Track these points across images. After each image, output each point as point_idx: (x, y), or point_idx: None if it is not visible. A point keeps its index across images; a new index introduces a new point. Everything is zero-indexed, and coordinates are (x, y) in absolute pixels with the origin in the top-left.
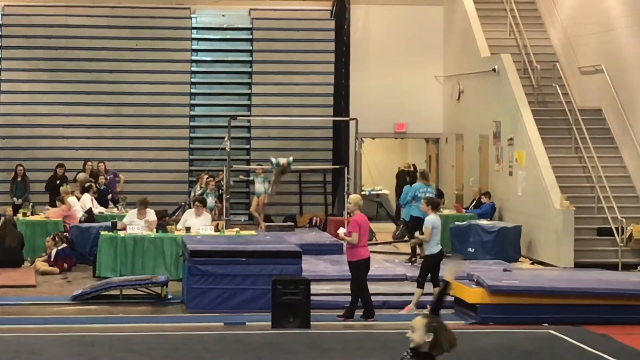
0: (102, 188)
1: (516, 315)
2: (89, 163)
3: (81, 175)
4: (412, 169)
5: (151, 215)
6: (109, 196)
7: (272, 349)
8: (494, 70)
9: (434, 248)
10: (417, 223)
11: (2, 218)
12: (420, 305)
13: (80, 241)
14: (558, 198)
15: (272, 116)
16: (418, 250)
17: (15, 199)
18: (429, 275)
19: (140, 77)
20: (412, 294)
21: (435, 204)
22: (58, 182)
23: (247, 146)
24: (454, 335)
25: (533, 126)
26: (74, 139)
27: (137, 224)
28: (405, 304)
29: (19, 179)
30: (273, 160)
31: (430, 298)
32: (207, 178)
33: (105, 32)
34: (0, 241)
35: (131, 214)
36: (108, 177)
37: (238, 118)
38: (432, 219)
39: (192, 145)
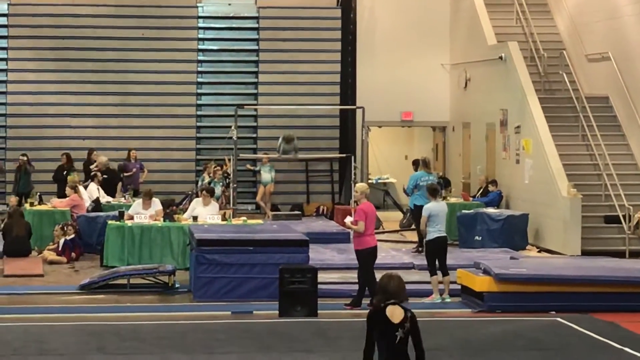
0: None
1: (523, 303)
2: (95, 153)
3: (102, 159)
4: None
5: (157, 205)
6: (119, 185)
7: (279, 338)
8: (500, 58)
9: (430, 235)
10: (420, 211)
11: (10, 208)
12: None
13: (87, 230)
14: (565, 186)
15: (279, 105)
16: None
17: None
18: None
19: (147, 67)
20: (419, 282)
21: (431, 190)
22: (65, 172)
23: (254, 135)
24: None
25: (540, 114)
26: (80, 129)
27: (142, 214)
28: (413, 293)
29: (23, 168)
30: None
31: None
32: (215, 167)
33: (111, 21)
34: (8, 231)
35: (136, 205)
36: (134, 169)
37: (245, 107)
38: (428, 207)
39: (198, 135)
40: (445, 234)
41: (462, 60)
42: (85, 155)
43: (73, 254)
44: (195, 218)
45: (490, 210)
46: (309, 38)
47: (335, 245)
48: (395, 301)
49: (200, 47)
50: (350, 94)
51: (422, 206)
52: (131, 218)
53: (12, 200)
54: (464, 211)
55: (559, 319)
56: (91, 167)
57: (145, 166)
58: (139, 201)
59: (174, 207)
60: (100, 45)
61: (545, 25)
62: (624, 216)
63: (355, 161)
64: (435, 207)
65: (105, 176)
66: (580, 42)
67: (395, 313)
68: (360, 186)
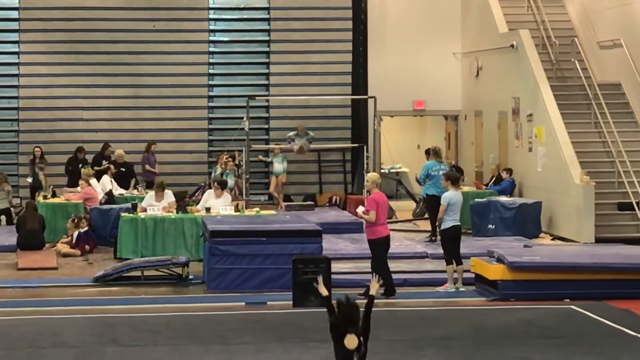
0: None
1: (537, 291)
2: (109, 147)
3: (119, 152)
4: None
5: (169, 196)
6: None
7: (293, 328)
8: (512, 46)
9: (446, 223)
10: (432, 201)
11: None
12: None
13: (100, 223)
14: (578, 173)
15: (291, 95)
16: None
17: (30, 180)
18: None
19: (158, 59)
20: (432, 272)
21: (453, 178)
22: (80, 165)
23: (266, 126)
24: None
25: (552, 102)
26: (92, 121)
27: (155, 206)
28: (426, 282)
29: (37, 161)
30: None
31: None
32: (226, 158)
33: (122, 13)
34: (22, 224)
35: (149, 197)
36: (152, 159)
37: (256, 98)
38: (447, 196)
39: (211, 126)
40: (460, 223)
41: (474, 49)
42: (98, 149)
43: (87, 247)
44: (208, 209)
45: (503, 198)
46: (320, 28)
47: (348, 235)
48: (352, 330)
49: (212, 38)
50: (361, 83)
51: (434, 195)
52: (144, 210)
53: (40, 196)
54: (476, 200)
55: (573, 307)
56: (103, 161)
57: (156, 158)
58: (151, 193)
59: (187, 199)
60: (111, 37)
61: (557, 13)
62: (637, 203)
63: (367, 151)
64: (454, 197)
65: (122, 169)
66: (591, 29)
67: (351, 342)
68: (372, 176)
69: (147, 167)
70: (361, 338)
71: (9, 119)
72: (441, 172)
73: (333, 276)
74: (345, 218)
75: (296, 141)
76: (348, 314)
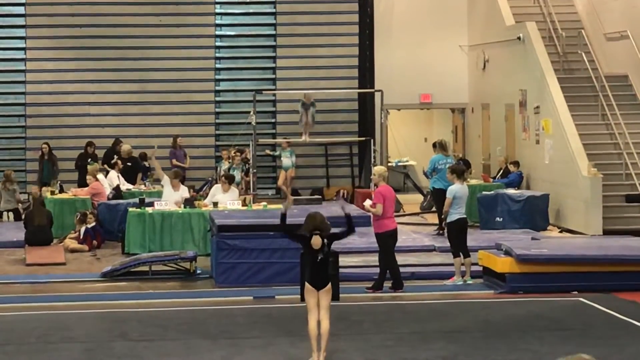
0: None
1: (545, 284)
2: (120, 143)
3: (126, 147)
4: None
5: (184, 191)
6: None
7: (301, 322)
8: (519, 38)
9: (452, 216)
10: (439, 194)
11: (30, 196)
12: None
13: (108, 218)
14: (585, 166)
15: (297, 89)
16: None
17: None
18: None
19: (165, 53)
20: (440, 265)
21: (458, 171)
22: (89, 160)
23: (273, 120)
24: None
25: (559, 94)
26: (100, 117)
27: (172, 196)
28: (434, 275)
29: (46, 157)
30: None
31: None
32: (234, 152)
33: (129, 8)
34: (30, 220)
35: (167, 187)
36: (179, 153)
37: (263, 92)
38: (453, 189)
39: (217, 120)
40: (465, 216)
41: (481, 42)
42: (106, 144)
43: (94, 242)
44: (215, 204)
45: (511, 191)
46: (327, 22)
47: (356, 229)
48: (318, 232)
49: (218, 32)
50: (368, 77)
51: (440, 189)
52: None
53: (34, 189)
54: (484, 192)
55: (581, 299)
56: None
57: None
58: (167, 183)
59: (195, 194)
60: (118, 32)
61: (563, 5)
62: None
63: (374, 144)
64: (460, 190)
65: (129, 164)
66: (598, 21)
67: (316, 242)
68: (378, 169)
69: (174, 161)
70: (325, 240)
71: (16, 115)
72: (447, 166)
73: (341, 270)
74: (352, 212)
75: (301, 111)
76: (314, 221)
